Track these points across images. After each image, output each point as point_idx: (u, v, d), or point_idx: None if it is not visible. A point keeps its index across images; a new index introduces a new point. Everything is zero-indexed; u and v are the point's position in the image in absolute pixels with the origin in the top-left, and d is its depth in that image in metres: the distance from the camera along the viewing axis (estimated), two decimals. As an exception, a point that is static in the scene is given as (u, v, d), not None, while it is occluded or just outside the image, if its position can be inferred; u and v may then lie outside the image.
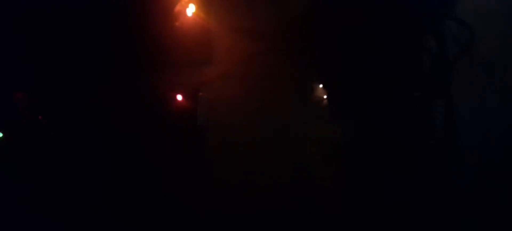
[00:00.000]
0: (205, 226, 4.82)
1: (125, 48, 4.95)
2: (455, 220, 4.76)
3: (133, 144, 4.95)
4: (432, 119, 5.22)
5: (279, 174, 4.95)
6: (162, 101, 5.00)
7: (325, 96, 5.26)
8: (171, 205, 4.87)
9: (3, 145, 4.90)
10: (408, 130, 5.09)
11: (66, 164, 4.88)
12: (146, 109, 4.96)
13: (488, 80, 5.08)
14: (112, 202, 4.83)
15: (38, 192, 4.75)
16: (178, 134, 5.00)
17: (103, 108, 4.94)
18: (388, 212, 4.87)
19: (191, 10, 5.09)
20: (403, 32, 5.13)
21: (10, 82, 4.90)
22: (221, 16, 5.08)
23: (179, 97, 5.08)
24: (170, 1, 5.10)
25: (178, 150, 4.93)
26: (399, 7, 5.17)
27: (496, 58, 5.09)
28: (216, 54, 5.10)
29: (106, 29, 4.96)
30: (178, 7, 5.08)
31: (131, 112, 4.93)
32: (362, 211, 4.87)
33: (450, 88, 5.15)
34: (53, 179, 4.81)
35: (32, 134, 4.92)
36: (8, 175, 4.81)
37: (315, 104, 5.19)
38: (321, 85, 5.23)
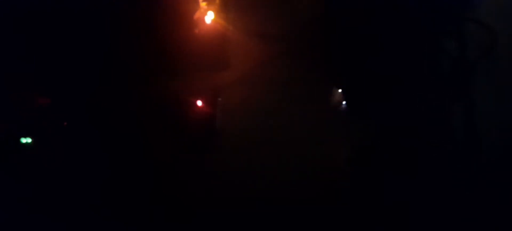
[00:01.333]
0: (209, 226, 4.83)
1: (143, 53, 4.96)
2: (455, 220, 4.74)
3: (139, 146, 4.95)
4: (447, 123, 5.21)
5: (289, 174, 4.98)
6: (180, 105, 5.05)
7: (341, 99, 5.27)
8: (176, 207, 4.88)
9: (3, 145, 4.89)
10: (423, 133, 5.10)
11: (66, 164, 4.87)
12: (163, 113, 4.98)
13: (506, 82, 5.10)
14: (112, 202, 4.82)
15: (38, 192, 4.75)
16: (195, 136, 5.06)
17: (118, 110, 4.95)
18: (391, 212, 4.84)
19: (210, 17, 5.14)
20: (418, 34, 5.12)
21: (9, 82, 4.90)
22: (239, 21, 5.13)
23: (199, 102, 5.14)
24: (189, 8, 5.13)
25: (187, 152, 4.98)
26: (414, 9, 5.18)
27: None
28: (234, 59, 5.16)
29: (124, 35, 4.97)
30: (197, 15, 5.12)
31: (144, 115, 4.95)
32: (366, 211, 4.87)
33: (467, 91, 5.14)
34: (53, 179, 4.81)
35: (32, 134, 4.90)
36: (8, 175, 4.81)
37: (331, 106, 5.19)
38: (337, 88, 5.24)
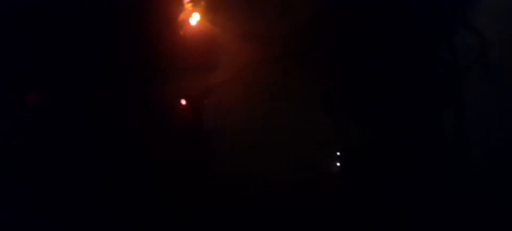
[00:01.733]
0: (206, 226, 4.82)
1: (128, 54, 4.95)
2: (455, 220, 4.75)
3: (136, 146, 4.94)
4: (440, 123, 5.21)
5: (283, 175, 4.96)
6: (167, 106, 5.02)
7: (332, 99, 5.26)
8: (172, 206, 4.87)
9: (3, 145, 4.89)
10: (415, 134, 5.09)
11: (66, 164, 4.86)
12: (151, 114, 4.97)
13: (498, 83, 5.10)
14: (112, 202, 4.81)
15: (38, 192, 4.74)
16: (183, 137, 5.02)
17: (105, 110, 4.94)
18: (389, 212, 4.84)
19: (195, 18, 5.13)
20: (411, 36, 5.13)
21: (9, 82, 4.90)
22: (226, 22, 5.10)
23: (184, 102, 5.11)
24: (174, 9, 5.13)
25: (182, 152, 4.96)
26: (408, 11, 5.18)
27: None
28: (221, 60, 5.12)
29: (109, 35, 4.98)
30: (182, 16, 5.12)
31: (134, 116, 4.94)
32: (364, 212, 4.86)
33: (460, 92, 5.15)
34: (53, 179, 4.80)
35: (32, 134, 4.89)
36: (8, 175, 4.80)
37: (322, 107, 5.18)
38: (328, 89, 5.23)
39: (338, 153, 5.18)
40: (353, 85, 5.22)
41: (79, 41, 4.94)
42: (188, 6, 5.12)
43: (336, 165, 5.18)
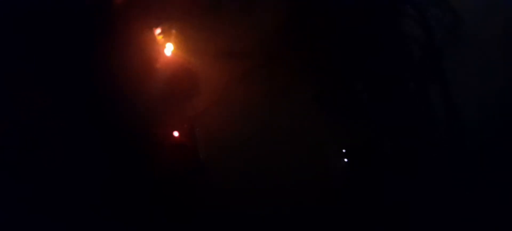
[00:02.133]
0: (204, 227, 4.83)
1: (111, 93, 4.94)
2: (456, 220, 4.75)
3: (134, 149, 4.95)
4: (431, 113, 5.20)
5: (281, 177, 4.98)
6: (157, 141, 4.99)
7: (322, 102, 5.27)
8: (171, 208, 4.90)
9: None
10: (407, 127, 5.08)
11: (66, 164, 4.85)
12: (143, 150, 4.95)
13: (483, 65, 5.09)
14: (111, 202, 4.82)
15: (38, 192, 4.72)
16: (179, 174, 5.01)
17: (104, 112, 4.94)
18: (388, 212, 4.83)
19: (169, 49, 5.15)
20: (396, 28, 5.13)
21: (9, 82, 4.89)
22: (200, 45, 5.10)
23: (175, 134, 5.09)
24: (147, 45, 5.12)
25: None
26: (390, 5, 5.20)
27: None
28: (203, 83, 5.13)
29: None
30: (156, 49, 5.13)
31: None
32: (363, 210, 4.86)
33: (443, 75, 5.18)
34: (53, 179, 4.78)
35: (32, 134, 4.89)
36: (8, 175, 4.79)
37: (313, 110, 5.19)
38: (316, 92, 5.25)
39: (339, 152, 5.15)
40: (344, 82, 5.21)
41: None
42: (159, 38, 5.12)
43: (337, 165, 5.16)
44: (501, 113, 5.05)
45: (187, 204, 4.84)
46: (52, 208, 4.72)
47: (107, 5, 5.00)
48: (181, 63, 5.09)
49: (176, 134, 4.97)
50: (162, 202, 4.87)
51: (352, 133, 5.11)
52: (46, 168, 4.84)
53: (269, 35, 5.13)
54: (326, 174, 5.06)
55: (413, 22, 5.27)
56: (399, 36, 5.24)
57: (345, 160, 5.18)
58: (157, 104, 4.91)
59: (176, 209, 4.85)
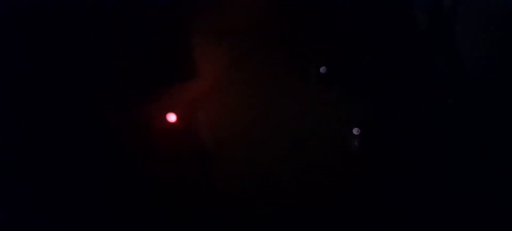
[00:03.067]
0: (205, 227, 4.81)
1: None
2: (455, 220, 4.73)
3: (134, 148, 4.91)
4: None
5: (279, 174, 4.92)
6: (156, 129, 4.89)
7: (323, 89, 5.17)
8: (172, 207, 4.86)
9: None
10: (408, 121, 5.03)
11: (66, 164, 4.85)
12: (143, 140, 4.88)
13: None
14: (111, 202, 4.82)
15: (38, 192, 4.74)
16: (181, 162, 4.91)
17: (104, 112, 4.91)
18: (388, 212, 4.81)
19: (162, 30, 4.94)
20: (396, 21, 5.08)
21: (9, 83, 4.88)
22: (192, 24, 4.91)
23: (173, 117, 4.93)
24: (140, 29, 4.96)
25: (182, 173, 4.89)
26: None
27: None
28: (201, 64, 4.92)
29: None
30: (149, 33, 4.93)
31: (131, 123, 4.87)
32: (362, 210, 4.83)
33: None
34: (53, 179, 4.80)
35: (31, 133, 4.87)
36: (8, 175, 4.79)
37: (314, 98, 5.08)
38: (319, 77, 5.12)
39: (351, 133, 5.02)
40: (351, 58, 5.12)
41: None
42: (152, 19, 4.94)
43: (348, 148, 5.03)
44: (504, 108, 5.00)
45: (193, 197, 4.79)
46: (52, 208, 4.73)
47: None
48: (173, 43, 4.92)
49: (177, 120, 4.87)
50: (165, 198, 4.85)
51: (363, 112, 5.02)
52: (46, 168, 4.84)
53: (269, 10, 4.97)
54: (338, 158, 4.95)
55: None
56: (394, 27, 5.16)
57: (356, 142, 5.02)
58: (153, 90, 4.81)
59: (181, 203, 4.83)
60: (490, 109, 4.93)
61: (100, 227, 4.74)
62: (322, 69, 5.07)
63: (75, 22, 4.87)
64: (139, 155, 4.87)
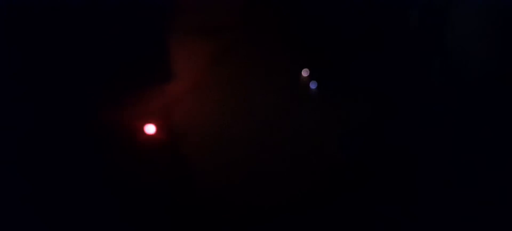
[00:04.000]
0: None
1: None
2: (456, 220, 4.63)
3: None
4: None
5: (261, 175, 4.84)
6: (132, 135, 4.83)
7: (310, 88, 5.01)
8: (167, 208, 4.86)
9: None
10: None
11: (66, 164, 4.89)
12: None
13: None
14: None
15: (38, 192, 4.79)
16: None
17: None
18: (375, 214, 4.71)
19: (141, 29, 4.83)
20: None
21: (9, 83, 4.94)
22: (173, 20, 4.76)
23: (151, 128, 4.85)
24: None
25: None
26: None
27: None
28: (179, 64, 4.81)
29: None
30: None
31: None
32: (348, 213, 4.75)
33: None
34: (53, 179, 4.84)
35: (31, 134, 4.97)
36: (8, 175, 4.83)
37: (299, 97, 4.93)
38: (303, 75, 4.95)
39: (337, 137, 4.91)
40: (339, 58, 4.94)
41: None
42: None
43: (335, 152, 4.94)
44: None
45: (170, 208, 4.77)
46: (52, 208, 4.77)
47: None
48: (154, 42, 4.80)
49: (151, 126, 4.76)
50: (162, 203, 4.84)
51: (350, 115, 4.87)
52: (46, 168, 4.88)
53: (250, 9, 4.81)
54: (323, 163, 4.86)
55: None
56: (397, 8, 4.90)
57: (343, 146, 4.92)
58: (129, 92, 4.73)
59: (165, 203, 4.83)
60: (485, 111, 4.69)
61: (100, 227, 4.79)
62: (305, 72, 4.94)
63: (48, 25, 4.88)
64: (123, 159, 4.90)
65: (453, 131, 4.85)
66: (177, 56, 4.80)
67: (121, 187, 4.79)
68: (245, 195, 4.79)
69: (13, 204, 4.72)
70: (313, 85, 4.92)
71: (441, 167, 4.79)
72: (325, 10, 4.95)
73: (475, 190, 4.62)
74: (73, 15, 4.82)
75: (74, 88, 4.83)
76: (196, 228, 4.79)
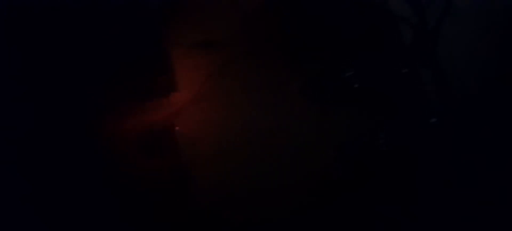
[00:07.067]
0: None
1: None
2: (455, 219, 4.59)
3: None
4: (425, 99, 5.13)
5: (261, 185, 4.87)
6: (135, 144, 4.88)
7: (310, 95, 5.09)
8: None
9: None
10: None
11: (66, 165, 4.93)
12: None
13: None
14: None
15: (38, 192, 4.82)
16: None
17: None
18: (384, 213, 4.72)
19: (144, 41, 4.99)
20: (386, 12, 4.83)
21: (9, 83, 4.97)
22: (175, 35, 4.87)
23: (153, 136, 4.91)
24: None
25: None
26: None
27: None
28: (180, 77, 4.89)
29: None
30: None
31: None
32: (358, 212, 4.78)
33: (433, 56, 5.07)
34: (53, 179, 4.88)
35: (31, 134, 5.00)
36: (8, 175, 4.86)
37: (298, 104, 5.00)
38: (300, 84, 5.04)
39: (331, 148, 4.98)
40: (332, 72, 4.98)
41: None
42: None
43: (328, 162, 5.00)
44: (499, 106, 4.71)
45: (172, 216, 4.78)
46: (52, 208, 4.81)
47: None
48: (156, 56, 4.92)
49: (154, 136, 4.84)
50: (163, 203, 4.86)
51: (343, 127, 4.92)
52: (46, 168, 4.96)
53: (250, 22, 4.84)
54: (317, 171, 4.91)
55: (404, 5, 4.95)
56: (389, 21, 4.94)
57: (337, 156, 4.98)
58: (131, 102, 4.79)
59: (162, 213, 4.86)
60: (485, 111, 4.69)
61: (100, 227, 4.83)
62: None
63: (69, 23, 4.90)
64: (123, 159, 4.91)
65: (453, 131, 4.85)
66: (181, 67, 4.92)
67: (121, 187, 4.80)
68: (247, 197, 4.84)
69: (13, 204, 4.73)
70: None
71: (441, 167, 4.79)
72: (325, 10, 4.98)
73: (475, 190, 4.60)
74: (73, 15, 4.83)
75: (74, 88, 4.83)
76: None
